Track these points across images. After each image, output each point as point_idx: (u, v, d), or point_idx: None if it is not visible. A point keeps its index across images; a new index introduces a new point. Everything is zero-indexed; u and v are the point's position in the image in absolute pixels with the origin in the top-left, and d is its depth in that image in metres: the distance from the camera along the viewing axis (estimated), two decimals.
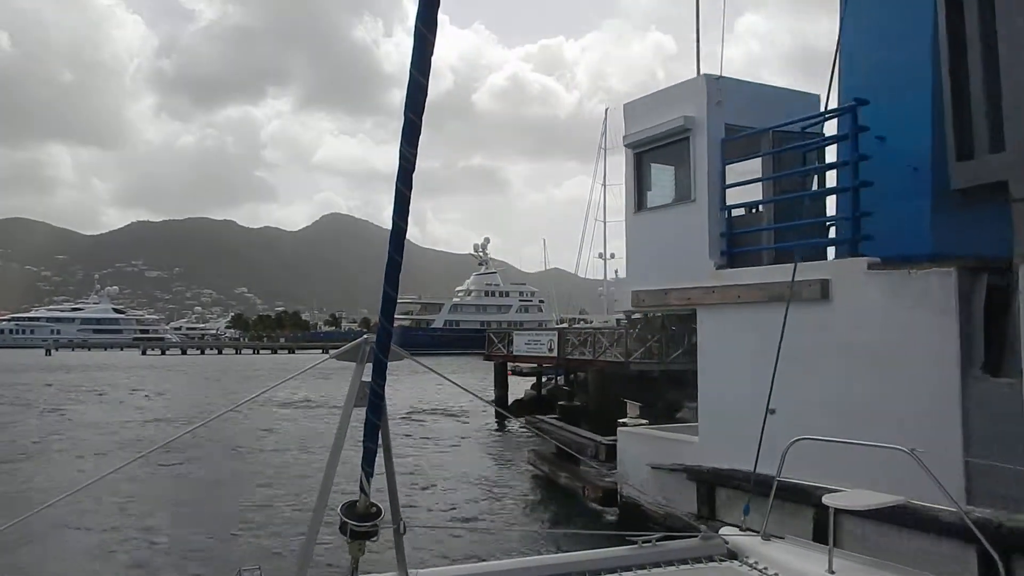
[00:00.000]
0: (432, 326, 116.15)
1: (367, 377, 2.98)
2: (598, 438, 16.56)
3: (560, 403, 29.10)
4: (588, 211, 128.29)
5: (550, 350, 28.61)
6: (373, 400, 2.95)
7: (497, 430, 29.75)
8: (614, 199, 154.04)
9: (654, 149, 12.89)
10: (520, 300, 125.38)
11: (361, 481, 2.98)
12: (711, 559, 4.57)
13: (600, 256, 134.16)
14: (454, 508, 16.10)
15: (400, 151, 2.56)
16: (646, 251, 13.02)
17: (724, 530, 5.00)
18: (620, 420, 15.39)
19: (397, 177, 2.59)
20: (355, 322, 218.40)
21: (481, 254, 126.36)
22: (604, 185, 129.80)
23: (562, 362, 28.25)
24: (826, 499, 4.38)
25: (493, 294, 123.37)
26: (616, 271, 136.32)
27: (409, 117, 2.52)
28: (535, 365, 32.59)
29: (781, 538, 4.78)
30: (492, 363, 34.44)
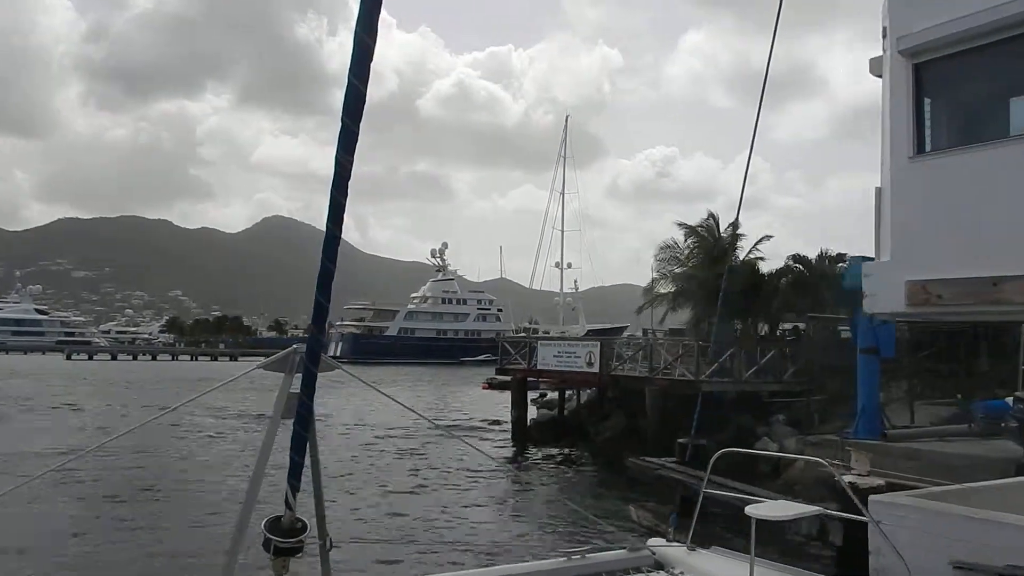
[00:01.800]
0: (386, 334, 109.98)
1: (297, 388, 2.88)
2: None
3: (598, 425, 24.09)
4: (545, 221, 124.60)
5: (589, 364, 23.53)
6: (301, 412, 2.88)
7: (514, 458, 24.61)
8: (582, 206, 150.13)
9: (964, 54, 8.08)
10: (478, 308, 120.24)
11: (287, 495, 2.90)
12: (638, 570, 4.83)
13: (556, 266, 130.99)
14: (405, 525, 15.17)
15: (336, 157, 2.57)
16: (939, 218, 8.23)
17: (651, 541, 5.38)
18: (844, 477, 10.18)
19: (332, 184, 2.59)
20: (299, 328, 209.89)
21: (438, 260, 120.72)
22: (562, 194, 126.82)
23: (607, 380, 23.17)
24: (748, 510, 4.60)
25: (450, 301, 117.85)
26: (575, 281, 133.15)
27: (346, 123, 2.52)
28: (560, 382, 27.39)
29: (707, 548, 5.19)
30: (490, 378, 29.10)
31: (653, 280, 38.16)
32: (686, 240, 37.51)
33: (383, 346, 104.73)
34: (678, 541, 5.43)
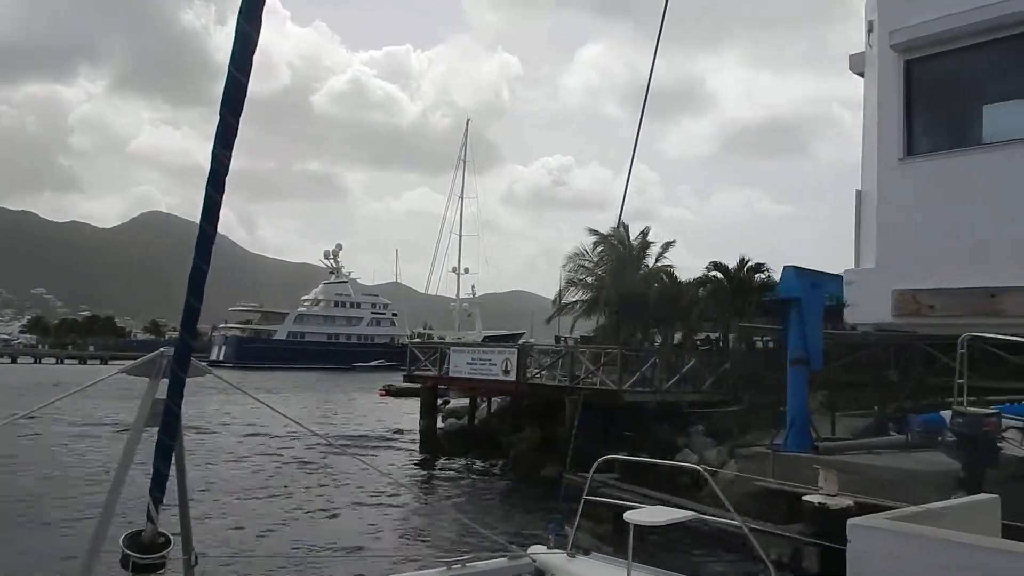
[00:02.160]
0: (274, 337, 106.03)
1: (163, 394, 2.80)
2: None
3: (509, 435, 23.29)
4: (443, 225, 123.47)
5: (505, 372, 22.70)
6: (167, 420, 2.79)
7: (423, 469, 23.55)
8: (478, 212, 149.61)
9: (956, 52, 7.68)
10: (372, 312, 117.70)
11: (148, 508, 2.79)
12: None
13: (454, 271, 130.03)
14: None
15: (213, 152, 2.47)
16: (932, 225, 7.78)
17: (532, 549, 5.33)
18: (806, 497, 9.69)
19: (208, 180, 2.48)
20: (177, 331, 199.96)
21: (331, 262, 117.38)
22: (461, 198, 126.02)
23: (525, 388, 22.39)
24: (626, 515, 4.69)
25: (343, 304, 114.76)
26: (473, 286, 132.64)
27: (225, 116, 2.45)
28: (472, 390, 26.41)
29: (587, 554, 5.22)
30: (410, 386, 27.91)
31: (563, 288, 37.87)
32: (595, 248, 37.43)
33: (271, 350, 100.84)
34: (559, 548, 5.47)
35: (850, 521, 7.07)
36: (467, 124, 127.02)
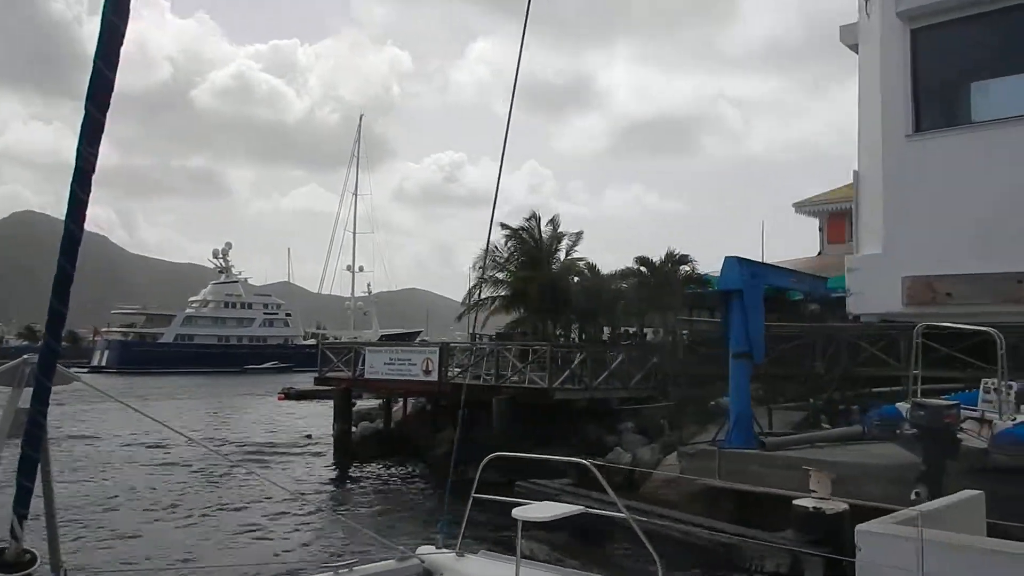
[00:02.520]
0: (160, 341, 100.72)
1: (27, 403, 2.65)
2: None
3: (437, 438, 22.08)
4: (336, 222, 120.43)
5: (426, 372, 21.47)
6: (31, 431, 2.61)
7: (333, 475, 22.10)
8: (369, 209, 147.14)
9: (971, 20, 7.03)
10: (265, 313, 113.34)
11: (12, 525, 2.70)
12: None
13: (348, 269, 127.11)
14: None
15: (78, 149, 2.42)
16: (947, 206, 7.09)
17: (421, 549, 5.39)
18: (797, 501, 8.89)
19: (73, 178, 2.46)
20: None
21: (221, 261, 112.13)
22: (355, 195, 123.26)
23: (448, 389, 21.21)
24: (515, 512, 4.82)
25: (234, 305, 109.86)
26: (368, 285, 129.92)
27: (91, 112, 2.39)
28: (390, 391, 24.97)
29: (475, 552, 5.29)
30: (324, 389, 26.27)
31: (475, 284, 36.86)
32: (507, 242, 36.57)
33: (158, 354, 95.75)
34: (448, 548, 5.43)
35: (859, 528, 6.18)
36: (360, 119, 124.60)
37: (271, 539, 15.19)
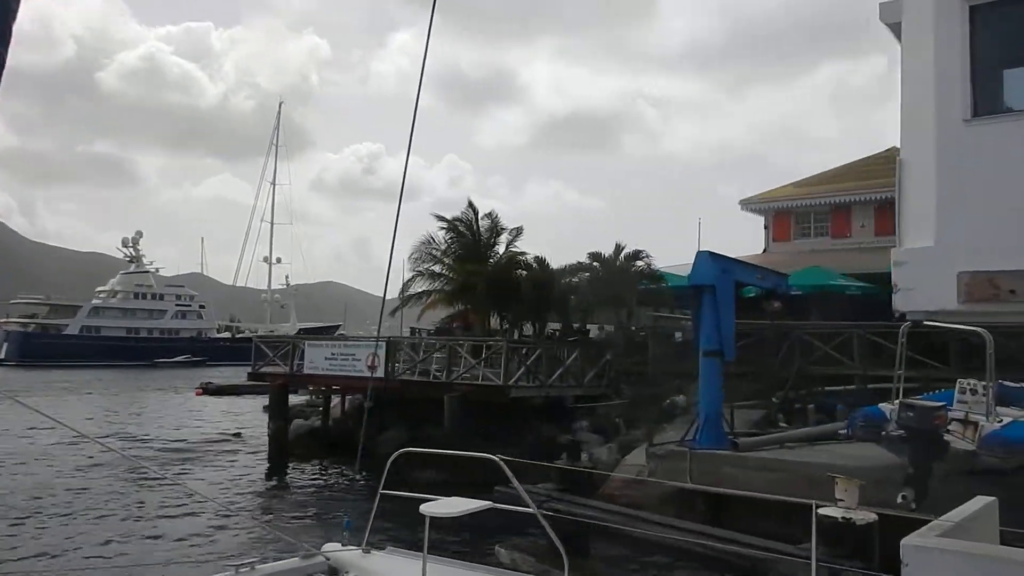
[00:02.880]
0: (65, 332, 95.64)
1: None
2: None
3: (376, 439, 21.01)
4: (253, 212, 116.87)
5: (371, 367, 20.40)
6: None
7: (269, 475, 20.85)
8: (287, 199, 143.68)
9: None
10: (177, 304, 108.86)
11: None
12: None
13: (265, 260, 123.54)
14: None
15: None
16: (1011, 193, 6.60)
17: (326, 547, 5.40)
18: (822, 510, 8.26)
19: None
20: None
21: (131, 250, 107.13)
22: (273, 185, 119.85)
23: (395, 385, 20.18)
24: (422, 508, 4.84)
25: (145, 296, 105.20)
26: (287, 277, 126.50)
27: None
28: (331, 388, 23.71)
29: (382, 549, 5.32)
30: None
31: (411, 277, 35.89)
32: (447, 235, 35.67)
33: (62, 346, 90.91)
34: (354, 544, 5.33)
35: (905, 542, 5.63)
36: (279, 107, 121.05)
37: (174, 539, 14.52)
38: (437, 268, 36.34)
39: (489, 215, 36.09)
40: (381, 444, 21.44)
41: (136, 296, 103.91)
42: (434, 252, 36.50)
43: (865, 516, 7.51)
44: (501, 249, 36.12)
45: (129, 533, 14.99)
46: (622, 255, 22.49)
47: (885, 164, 28.00)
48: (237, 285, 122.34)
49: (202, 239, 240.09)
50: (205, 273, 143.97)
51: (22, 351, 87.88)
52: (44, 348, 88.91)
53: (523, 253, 32.45)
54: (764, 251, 28.41)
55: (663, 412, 19.97)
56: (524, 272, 23.87)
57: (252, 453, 23.72)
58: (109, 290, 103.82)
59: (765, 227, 28.13)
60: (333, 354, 21.43)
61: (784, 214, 27.68)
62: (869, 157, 28.91)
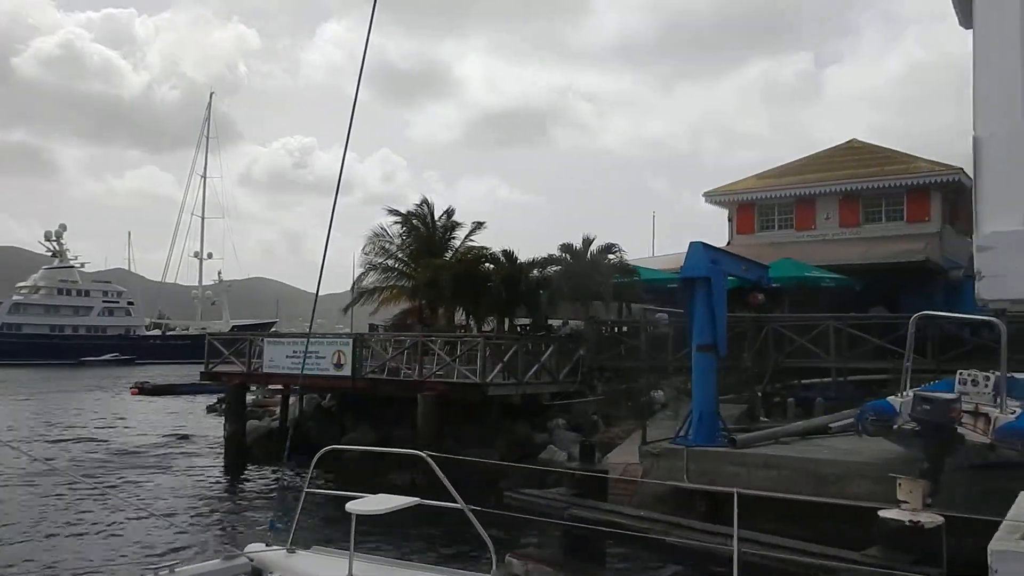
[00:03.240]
0: None
1: None
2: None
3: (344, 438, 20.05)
4: (183, 206, 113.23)
5: (337, 365, 19.44)
6: None
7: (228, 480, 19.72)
8: (212, 194, 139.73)
9: None
10: (104, 301, 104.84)
11: None
12: None
13: (196, 256, 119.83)
14: None
15: None
16: None
17: (250, 547, 5.30)
18: (884, 514, 7.79)
19: None
20: None
21: (54, 244, 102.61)
22: (204, 178, 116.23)
23: (363, 384, 19.24)
24: (348, 506, 4.81)
25: (69, 292, 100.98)
26: (219, 272, 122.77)
27: None
28: (284, 387, 22.57)
29: (307, 549, 5.25)
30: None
31: (363, 272, 34.87)
32: (403, 228, 34.84)
33: None
34: (279, 544, 5.29)
35: (993, 547, 5.14)
36: (211, 97, 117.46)
37: (96, 544, 13.89)
38: (391, 263, 35.41)
39: (447, 212, 35.40)
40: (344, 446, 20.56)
41: (60, 292, 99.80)
42: (386, 246, 35.57)
43: (932, 519, 7.07)
44: (457, 244, 35.45)
45: (50, 540, 14.26)
46: (592, 247, 21.93)
47: (847, 155, 28.19)
48: (166, 281, 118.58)
49: (129, 233, 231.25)
50: (132, 269, 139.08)
51: None
52: None
53: (485, 248, 31.81)
54: (728, 244, 28.28)
55: (642, 408, 19.53)
56: (491, 265, 23.11)
57: (204, 456, 22.49)
58: (31, 286, 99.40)
59: (729, 219, 27.98)
60: (295, 352, 20.37)
61: (747, 206, 27.59)
62: (831, 148, 29.07)
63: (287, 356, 20.43)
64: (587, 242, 22.08)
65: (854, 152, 27.95)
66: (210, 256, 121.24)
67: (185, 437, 26.13)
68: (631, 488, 15.18)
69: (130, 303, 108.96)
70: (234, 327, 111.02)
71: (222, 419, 34.68)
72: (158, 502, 17.13)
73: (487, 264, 23.26)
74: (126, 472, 20.25)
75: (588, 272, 20.78)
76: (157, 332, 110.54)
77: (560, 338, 20.69)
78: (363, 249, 34.59)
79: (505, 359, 18.18)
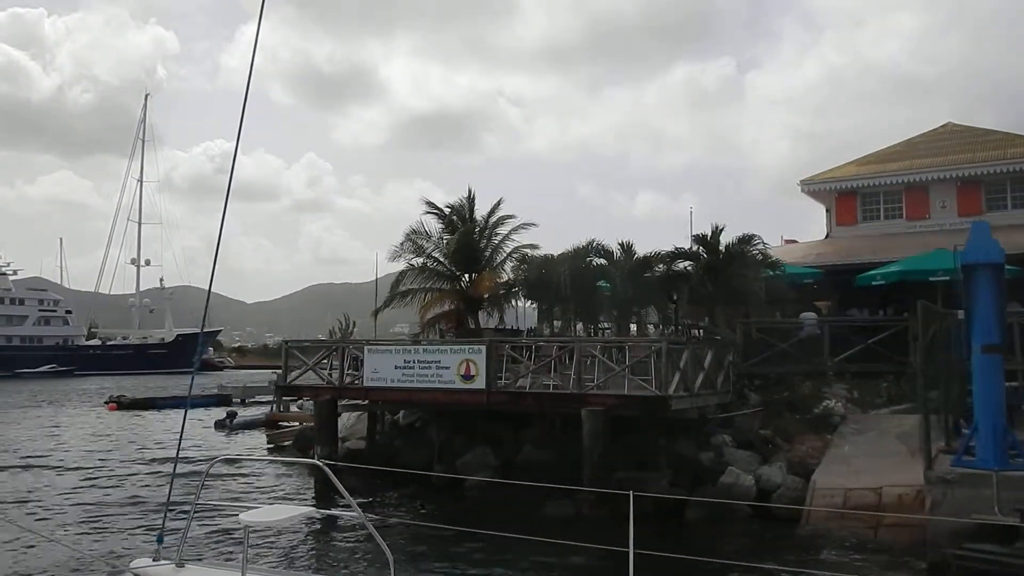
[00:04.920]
0: None
1: None
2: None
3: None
4: (118, 212, 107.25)
5: (466, 377, 16.36)
6: None
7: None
8: (171, 199, 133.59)
9: None
10: (40, 310, 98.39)
11: None
12: None
13: (133, 262, 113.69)
14: None
15: None
16: None
17: (136, 562, 5.23)
18: None
19: None
20: None
21: None
22: (141, 182, 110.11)
23: (499, 399, 16.17)
24: (241, 517, 4.81)
25: (2, 301, 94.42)
26: (161, 279, 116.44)
27: None
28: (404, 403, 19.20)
29: (198, 561, 5.53)
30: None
31: (403, 272, 31.83)
32: (442, 225, 32.02)
33: None
34: (166, 559, 5.13)
35: None
36: (146, 99, 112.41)
37: None
38: (430, 263, 32.39)
39: (497, 207, 32.62)
40: (462, 469, 17.46)
41: None
42: (423, 243, 32.57)
43: None
44: (500, 241, 32.62)
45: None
46: (729, 240, 19.31)
47: (951, 139, 26.29)
48: (100, 291, 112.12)
49: (60, 240, 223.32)
50: (62, 277, 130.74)
51: None
52: None
53: (531, 245, 29.09)
54: (827, 236, 26.17)
55: (818, 420, 17.05)
56: (603, 261, 20.26)
57: (293, 479, 19.03)
58: None
59: (827, 210, 25.84)
60: (408, 361, 17.13)
61: (849, 195, 25.46)
62: (928, 133, 27.21)
63: (396, 367, 17.19)
64: (716, 231, 19.47)
65: (957, 135, 26.15)
66: (147, 263, 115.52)
67: (233, 462, 22.47)
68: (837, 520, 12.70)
69: (68, 312, 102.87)
70: (178, 335, 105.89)
71: (236, 434, 31.10)
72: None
73: (599, 260, 20.36)
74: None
75: (734, 267, 18.17)
76: (97, 342, 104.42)
77: (719, 343, 17.97)
78: (400, 245, 31.61)
79: (681, 366, 15.39)
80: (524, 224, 32.20)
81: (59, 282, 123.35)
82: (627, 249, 19.97)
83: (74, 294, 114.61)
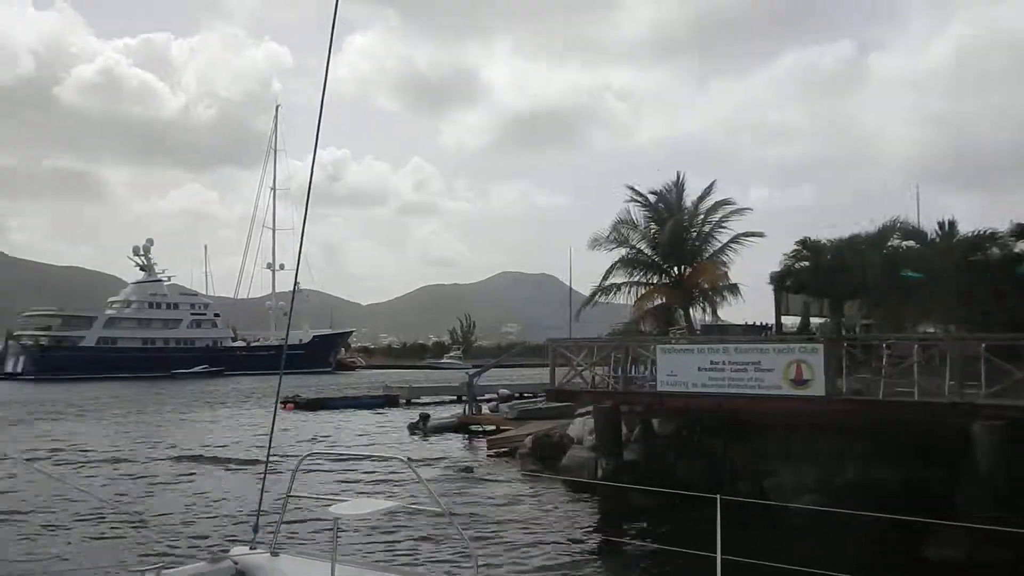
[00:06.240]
0: (82, 344, 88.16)
1: None
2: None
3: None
4: (254, 219, 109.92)
5: (796, 381, 13.59)
6: None
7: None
8: (285, 207, 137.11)
9: None
10: (192, 314, 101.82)
11: None
12: None
13: (269, 267, 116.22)
14: None
15: None
16: None
17: (234, 550, 5.27)
18: None
19: None
20: None
21: (142, 259, 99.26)
22: (274, 190, 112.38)
23: (843, 407, 13.31)
24: (332, 509, 4.75)
25: (159, 306, 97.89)
26: (296, 282, 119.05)
27: None
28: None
29: (291, 552, 5.28)
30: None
31: (614, 266, 29.55)
32: (648, 215, 29.71)
33: (79, 359, 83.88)
34: (262, 548, 5.25)
35: None
36: (276, 110, 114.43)
37: (83, 545, 13.33)
38: (640, 255, 30.16)
39: (708, 192, 30.05)
40: (773, 492, 14.70)
41: (151, 305, 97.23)
42: (629, 233, 30.37)
43: None
44: (712, 231, 30.00)
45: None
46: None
47: None
48: (239, 297, 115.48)
49: (205, 247, 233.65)
50: (207, 284, 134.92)
51: (38, 365, 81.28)
52: (61, 361, 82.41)
53: (754, 233, 26.33)
54: None
55: None
56: (914, 243, 17.03)
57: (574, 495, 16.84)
58: (122, 300, 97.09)
59: None
60: (716, 362, 14.54)
61: None
62: None
63: (700, 368, 14.63)
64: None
65: None
66: (282, 267, 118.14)
67: (468, 469, 20.51)
68: None
69: (217, 315, 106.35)
70: (314, 337, 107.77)
71: (429, 438, 29.36)
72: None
73: (906, 242, 17.11)
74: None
75: None
76: (242, 343, 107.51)
77: None
78: (608, 236, 29.42)
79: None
80: (740, 209, 29.36)
81: (203, 290, 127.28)
82: (947, 228, 16.67)
83: (213, 298, 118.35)
